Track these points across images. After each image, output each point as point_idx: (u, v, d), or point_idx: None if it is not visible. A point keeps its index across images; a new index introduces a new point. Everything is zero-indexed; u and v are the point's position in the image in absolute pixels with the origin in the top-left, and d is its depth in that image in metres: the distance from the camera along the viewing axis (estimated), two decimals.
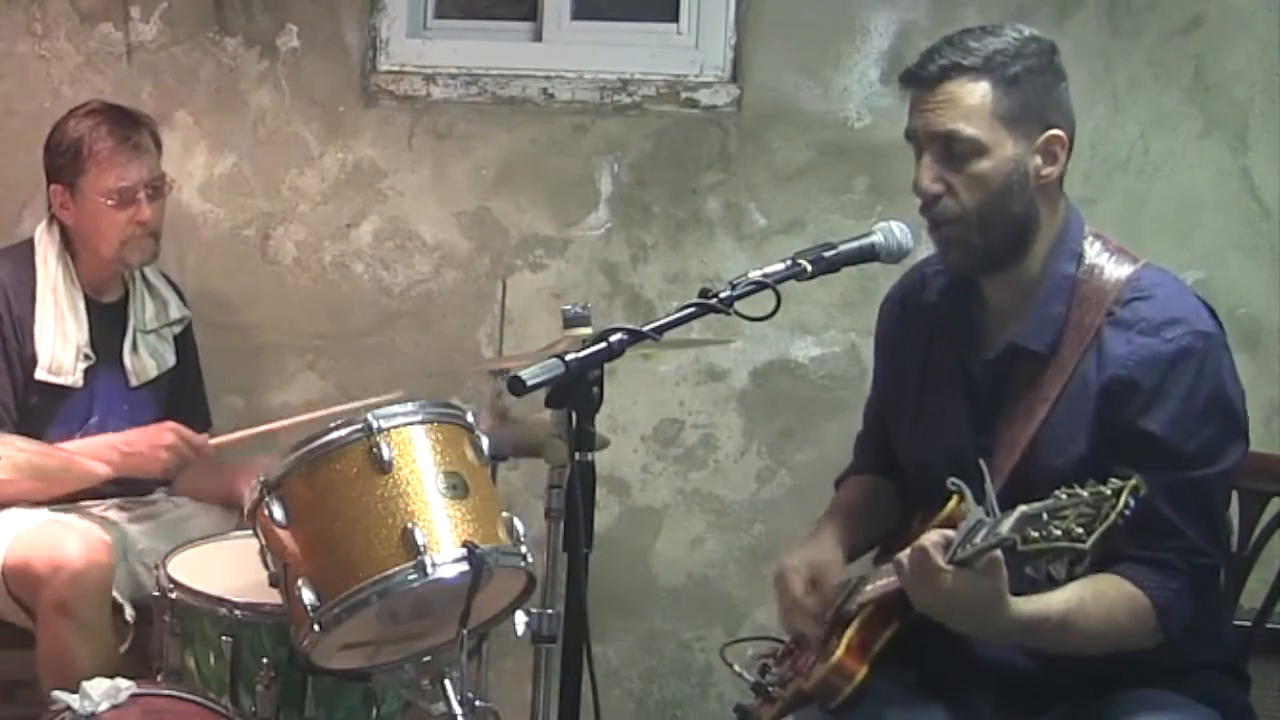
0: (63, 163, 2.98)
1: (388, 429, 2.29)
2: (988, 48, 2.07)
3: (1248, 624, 2.39)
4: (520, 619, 2.06)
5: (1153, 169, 3.26)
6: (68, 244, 3.04)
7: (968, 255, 2.13)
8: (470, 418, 2.41)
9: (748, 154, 3.41)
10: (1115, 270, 2.11)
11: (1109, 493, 1.78)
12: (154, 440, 2.93)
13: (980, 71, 2.06)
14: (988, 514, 1.89)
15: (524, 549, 2.32)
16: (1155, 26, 3.25)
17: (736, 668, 2.37)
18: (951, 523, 1.98)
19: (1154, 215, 3.25)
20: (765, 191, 3.41)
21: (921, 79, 2.09)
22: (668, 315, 2.00)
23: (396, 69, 3.55)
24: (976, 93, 2.05)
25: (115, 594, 2.77)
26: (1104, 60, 3.25)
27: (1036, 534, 1.79)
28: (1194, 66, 3.24)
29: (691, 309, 2.00)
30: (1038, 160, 2.08)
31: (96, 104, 3.07)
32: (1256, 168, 3.23)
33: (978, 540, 1.86)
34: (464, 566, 2.21)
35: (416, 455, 2.29)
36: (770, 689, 2.28)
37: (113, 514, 2.99)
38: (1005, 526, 1.83)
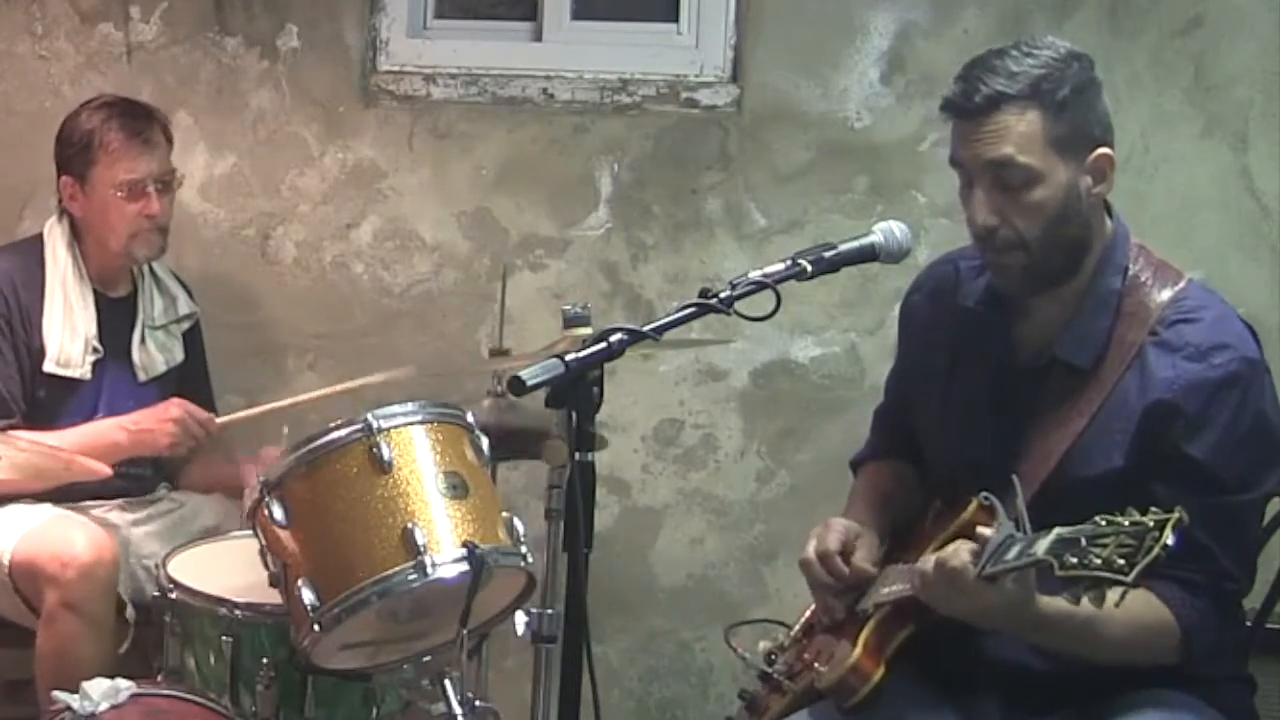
0: (73, 154, 2.99)
1: (388, 429, 2.29)
2: (1032, 73, 2.02)
3: (1248, 624, 2.38)
4: (520, 619, 2.06)
5: (1153, 169, 3.26)
6: (77, 237, 3.05)
7: (1026, 280, 2.11)
8: (470, 418, 2.41)
9: (748, 154, 3.41)
10: (1159, 287, 2.10)
11: (1151, 524, 1.74)
12: (160, 415, 2.93)
13: (1029, 99, 2.02)
14: (1018, 528, 1.86)
15: (524, 549, 2.32)
16: (1155, 26, 3.24)
17: (741, 651, 2.36)
18: (969, 527, 1.97)
19: (1154, 215, 3.24)
20: (765, 191, 3.41)
21: (967, 110, 2.05)
22: (668, 315, 1.99)
23: (396, 69, 3.54)
24: (1026, 121, 2.02)
25: (120, 591, 2.78)
26: (1104, 60, 3.18)
27: (1075, 560, 1.75)
28: (1194, 66, 3.24)
29: (691, 309, 2.00)
30: (1089, 180, 2.07)
31: (109, 97, 3.09)
32: (1256, 168, 3.23)
33: (1010, 557, 1.84)
34: (464, 566, 2.21)
35: (416, 455, 2.30)
36: (777, 677, 2.28)
37: (114, 515, 2.99)
38: (1041, 547, 1.80)
